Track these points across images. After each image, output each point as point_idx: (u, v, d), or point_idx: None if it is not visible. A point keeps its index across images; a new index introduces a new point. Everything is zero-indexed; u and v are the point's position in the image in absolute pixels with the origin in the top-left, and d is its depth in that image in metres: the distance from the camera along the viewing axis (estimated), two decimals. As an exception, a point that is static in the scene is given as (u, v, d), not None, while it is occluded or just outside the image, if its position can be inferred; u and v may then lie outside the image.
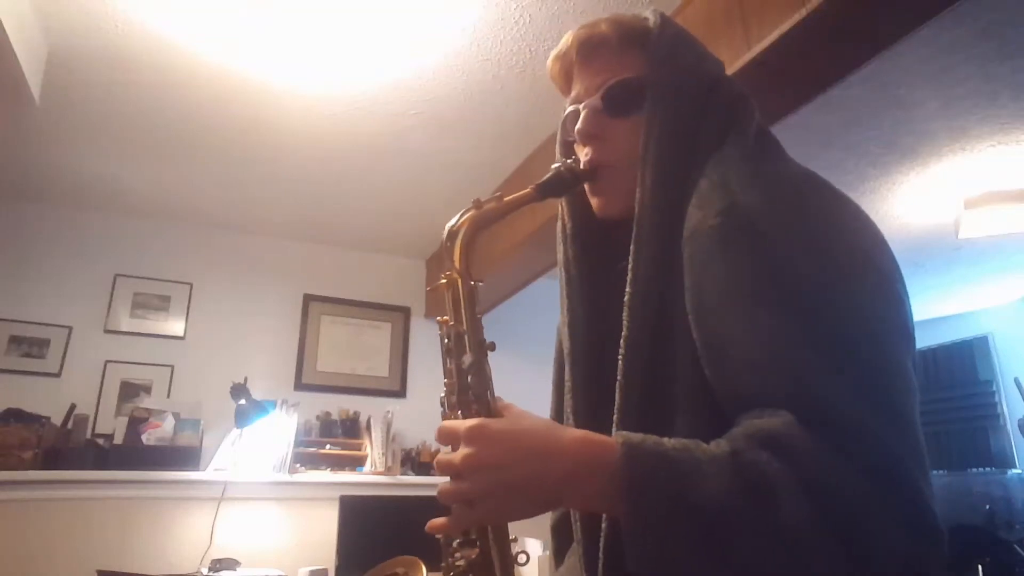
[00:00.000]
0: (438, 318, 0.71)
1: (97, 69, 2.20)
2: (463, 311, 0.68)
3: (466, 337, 0.67)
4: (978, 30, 1.93)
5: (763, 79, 1.60)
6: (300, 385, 3.45)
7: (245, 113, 2.44)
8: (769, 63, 1.55)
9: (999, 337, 4.58)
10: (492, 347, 0.67)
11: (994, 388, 4.53)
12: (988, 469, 4.25)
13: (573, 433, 0.57)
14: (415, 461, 3.37)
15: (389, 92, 2.32)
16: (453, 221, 0.71)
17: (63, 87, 2.28)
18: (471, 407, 0.64)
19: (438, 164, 2.84)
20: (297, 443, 3.10)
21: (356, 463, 3.23)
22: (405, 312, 3.82)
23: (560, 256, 0.84)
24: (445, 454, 0.59)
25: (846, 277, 0.60)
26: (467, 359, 0.65)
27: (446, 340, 0.68)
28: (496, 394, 0.64)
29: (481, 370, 0.64)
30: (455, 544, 0.64)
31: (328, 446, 3.24)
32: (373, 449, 3.26)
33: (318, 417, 3.35)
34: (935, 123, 2.45)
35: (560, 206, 0.85)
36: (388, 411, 3.37)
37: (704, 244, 0.63)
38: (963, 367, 4.67)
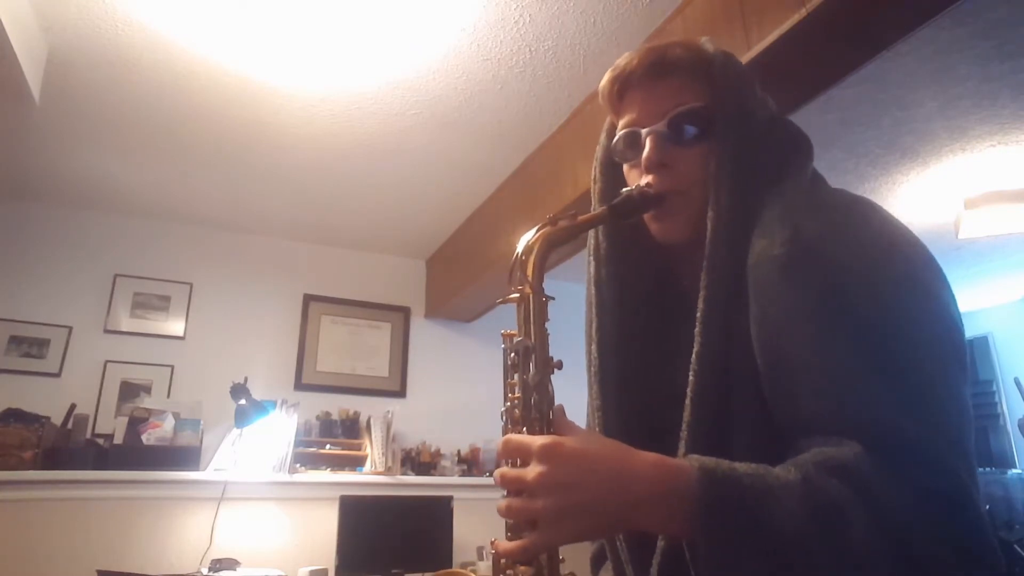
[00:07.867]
0: (503, 331, 0.70)
1: (97, 69, 2.20)
2: (532, 326, 0.68)
3: (534, 353, 0.67)
4: (978, 30, 1.93)
5: (763, 79, 1.59)
6: (300, 385, 3.45)
7: (245, 113, 2.44)
8: (769, 63, 1.55)
9: (999, 337, 4.58)
10: (559, 365, 0.67)
11: (994, 388, 4.52)
12: (988, 469, 4.24)
13: (646, 456, 0.57)
14: (415, 461, 3.36)
15: (389, 92, 2.32)
16: (529, 236, 0.70)
17: (63, 87, 2.28)
18: (535, 424, 0.64)
19: (438, 164, 2.84)
20: (297, 443, 3.10)
21: (356, 463, 3.23)
22: (405, 312, 3.82)
23: (591, 275, 0.84)
24: (512, 469, 0.58)
25: (908, 307, 0.61)
26: (533, 376, 0.65)
27: (512, 354, 0.68)
28: (557, 408, 0.64)
29: (545, 388, 0.65)
30: (509, 561, 0.63)
31: (328, 446, 3.24)
32: (373, 449, 3.26)
33: (318, 417, 3.35)
34: (935, 123, 2.45)
35: (595, 228, 0.84)
36: (388, 411, 3.37)
37: (769, 272, 0.65)
38: (963, 367, 4.66)
